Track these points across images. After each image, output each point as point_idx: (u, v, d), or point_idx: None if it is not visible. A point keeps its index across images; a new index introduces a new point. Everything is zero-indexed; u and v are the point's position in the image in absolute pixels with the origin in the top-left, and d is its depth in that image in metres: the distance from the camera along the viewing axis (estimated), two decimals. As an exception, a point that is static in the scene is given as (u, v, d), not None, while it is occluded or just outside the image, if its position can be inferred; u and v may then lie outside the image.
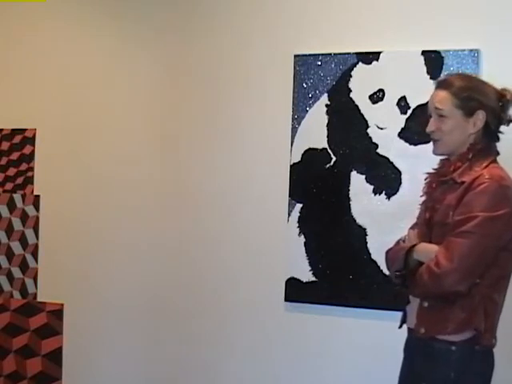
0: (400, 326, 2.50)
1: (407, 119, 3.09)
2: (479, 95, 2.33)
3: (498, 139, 2.39)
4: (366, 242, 3.15)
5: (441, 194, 2.37)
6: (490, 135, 2.36)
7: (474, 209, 2.22)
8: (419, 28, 3.09)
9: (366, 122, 3.16)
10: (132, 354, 3.65)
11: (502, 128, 2.38)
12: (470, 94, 2.32)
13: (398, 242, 2.49)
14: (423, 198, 2.48)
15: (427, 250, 2.31)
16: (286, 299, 3.30)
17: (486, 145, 2.35)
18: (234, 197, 3.44)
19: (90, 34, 3.77)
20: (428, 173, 2.49)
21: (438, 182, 2.42)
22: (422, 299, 2.35)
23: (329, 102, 3.23)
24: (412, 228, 2.49)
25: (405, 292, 2.43)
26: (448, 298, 2.27)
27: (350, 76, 3.19)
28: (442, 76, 2.89)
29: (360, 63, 3.17)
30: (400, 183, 3.10)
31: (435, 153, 2.43)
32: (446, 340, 2.28)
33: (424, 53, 3.06)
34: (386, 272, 2.69)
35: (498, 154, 2.38)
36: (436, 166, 2.47)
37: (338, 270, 3.19)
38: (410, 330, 2.44)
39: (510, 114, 2.37)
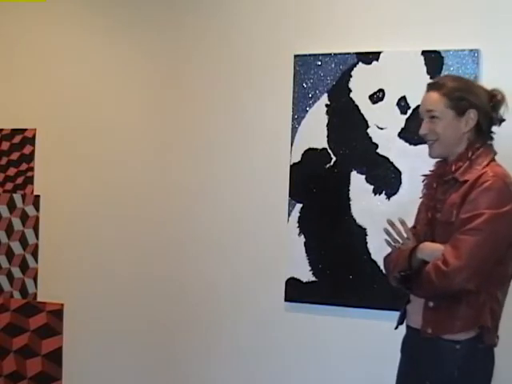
0: (396, 327, 2.50)
1: (407, 119, 3.09)
2: (470, 95, 2.35)
3: (491, 139, 2.41)
4: (366, 242, 3.15)
5: (442, 194, 2.38)
6: (482, 135, 2.38)
7: (481, 206, 2.23)
8: (419, 28, 3.09)
9: (366, 122, 3.16)
10: (132, 353, 3.64)
11: (495, 128, 2.41)
12: (461, 94, 2.35)
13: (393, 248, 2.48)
14: (423, 199, 2.49)
15: (432, 249, 2.31)
16: (286, 299, 3.30)
17: (483, 144, 2.37)
18: (234, 197, 3.44)
19: (89, 34, 3.76)
20: (425, 175, 2.51)
21: (438, 183, 2.43)
22: (426, 299, 2.34)
23: (329, 102, 3.23)
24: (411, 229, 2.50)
25: (408, 293, 2.43)
26: (455, 297, 2.27)
27: (350, 76, 3.19)
28: (434, 79, 2.88)
29: (360, 63, 3.17)
30: (400, 183, 3.10)
31: (432, 155, 2.44)
32: (451, 339, 2.28)
33: (424, 53, 3.06)
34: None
35: (495, 153, 2.40)
36: (432, 168, 2.49)
37: (338, 270, 3.20)
38: (411, 329, 2.43)
39: (501, 114, 2.40)
